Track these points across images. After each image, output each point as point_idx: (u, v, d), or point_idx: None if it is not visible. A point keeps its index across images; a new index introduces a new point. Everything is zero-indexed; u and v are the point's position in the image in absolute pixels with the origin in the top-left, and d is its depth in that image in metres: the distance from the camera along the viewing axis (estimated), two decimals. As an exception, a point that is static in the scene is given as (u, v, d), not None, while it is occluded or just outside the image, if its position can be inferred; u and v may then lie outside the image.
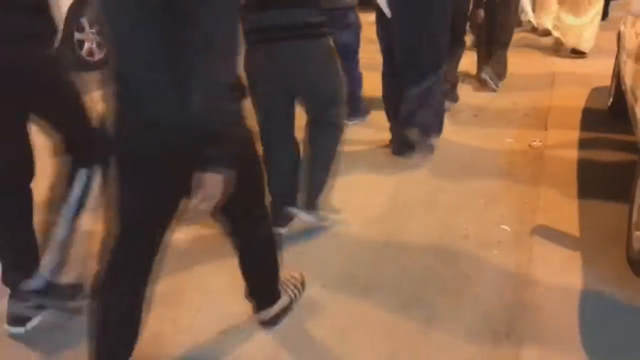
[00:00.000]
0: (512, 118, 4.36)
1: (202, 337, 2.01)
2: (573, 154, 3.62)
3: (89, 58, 6.17)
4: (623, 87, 3.60)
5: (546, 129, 4.09)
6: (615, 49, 4.24)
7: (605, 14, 8.70)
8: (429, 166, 3.48)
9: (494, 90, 4.96)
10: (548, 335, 2.02)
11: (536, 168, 3.43)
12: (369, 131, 3.99)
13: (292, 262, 2.45)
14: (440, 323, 2.09)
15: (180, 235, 2.30)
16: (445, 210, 2.94)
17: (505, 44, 5.08)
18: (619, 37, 4.17)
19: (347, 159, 3.63)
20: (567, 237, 2.66)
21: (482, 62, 5.14)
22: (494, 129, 4.14)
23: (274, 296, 2.02)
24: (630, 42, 3.49)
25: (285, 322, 2.08)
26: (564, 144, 3.78)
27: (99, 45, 6.26)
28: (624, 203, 2.62)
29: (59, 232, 1.98)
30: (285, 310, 2.06)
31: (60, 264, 2.01)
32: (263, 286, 2.01)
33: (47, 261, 1.98)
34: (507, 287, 2.29)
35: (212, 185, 1.43)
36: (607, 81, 4.56)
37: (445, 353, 1.95)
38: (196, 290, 2.29)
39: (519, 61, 6.06)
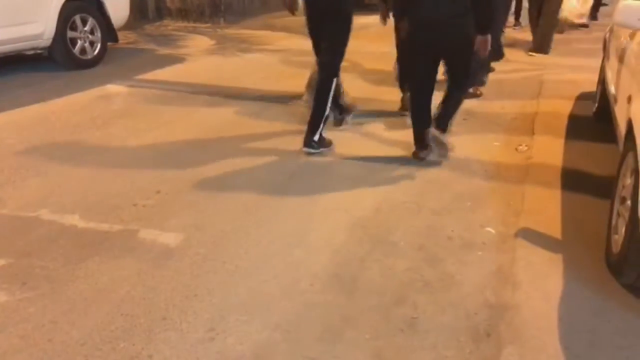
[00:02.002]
0: (500, 122, 4.43)
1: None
2: (558, 158, 3.69)
3: (81, 56, 6.19)
4: (607, 93, 3.67)
5: (533, 134, 4.16)
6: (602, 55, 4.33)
7: (594, 18, 8.92)
8: (416, 168, 3.53)
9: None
10: (528, 335, 2.07)
11: (522, 172, 3.49)
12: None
13: (283, 261, 2.51)
14: (424, 322, 2.14)
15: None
16: (431, 212, 3.00)
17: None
18: (605, 44, 4.25)
19: (342, 159, 3.69)
20: (549, 239, 2.72)
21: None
22: (482, 132, 4.21)
23: (447, 127, 3.66)
24: (613, 49, 3.57)
25: (274, 320, 2.12)
26: (549, 149, 3.86)
27: (91, 44, 6.29)
28: (605, 207, 2.69)
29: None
30: (445, 147, 3.62)
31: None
32: (447, 118, 3.64)
33: None
34: (490, 288, 2.34)
35: (485, 42, 3.29)
36: (593, 87, 4.64)
37: (428, 352, 2.00)
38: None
39: (509, 67, 6.15)
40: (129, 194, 3.15)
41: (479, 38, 3.27)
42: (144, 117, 4.58)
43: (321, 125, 3.72)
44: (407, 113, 3.87)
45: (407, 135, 3.76)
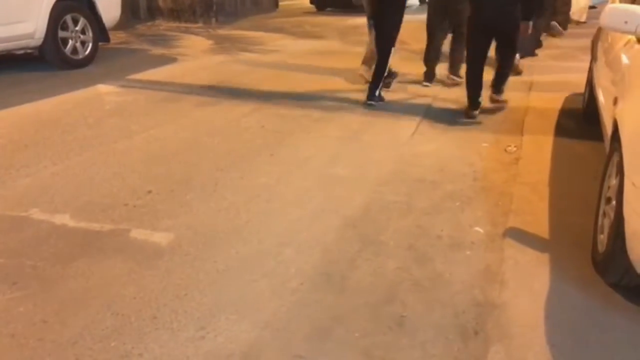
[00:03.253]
0: (489, 123, 4.48)
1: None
2: (546, 159, 3.74)
3: (73, 56, 6.18)
4: (595, 94, 3.72)
5: (522, 134, 4.20)
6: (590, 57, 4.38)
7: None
8: (407, 168, 3.56)
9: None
10: (515, 333, 2.10)
11: (510, 172, 3.53)
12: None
13: (273, 260, 2.53)
14: (413, 321, 2.16)
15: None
16: (421, 211, 3.03)
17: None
18: (592, 45, 4.30)
19: (334, 160, 3.72)
20: (537, 239, 2.76)
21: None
22: (471, 133, 4.25)
23: (502, 90, 4.82)
24: (600, 51, 3.61)
25: (264, 318, 2.14)
26: (538, 149, 3.90)
27: (82, 44, 6.27)
28: (592, 207, 2.73)
29: None
30: (502, 104, 4.81)
31: None
32: (500, 84, 4.80)
33: None
34: (478, 287, 2.37)
35: (527, 26, 4.44)
36: (581, 88, 4.69)
37: (417, 350, 2.02)
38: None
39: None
40: (120, 194, 3.15)
41: (523, 23, 4.42)
42: (136, 117, 4.58)
43: (380, 85, 4.99)
44: (428, 84, 5.61)
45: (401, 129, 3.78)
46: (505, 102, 4.84)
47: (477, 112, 4.56)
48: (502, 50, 4.69)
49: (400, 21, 4.88)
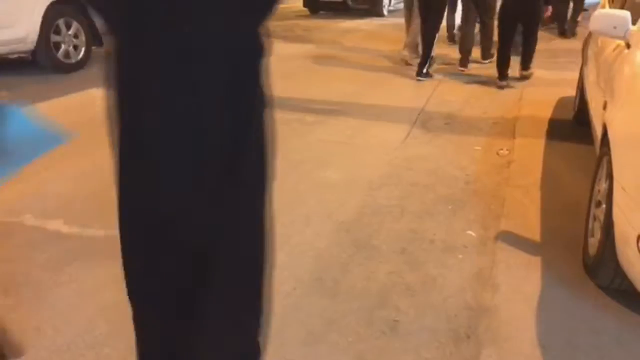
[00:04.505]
0: (481, 126, 4.50)
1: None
2: (538, 162, 3.76)
3: (65, 60, 6.16)
4: (585, 97, 3.76)
5: (514, 138, 4.23)
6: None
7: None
8: (400, 172, 3.58)
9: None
10: (507, 336, 2.12)
11: (502, 176, 3.55)
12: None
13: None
14: (405, 325, 2.18)
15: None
16: (414, 215, 3.04)
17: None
18: (583, 49, 4.34)
19: (327, 164, 3.73)
20: (528, 242, 2.78)
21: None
22: (464, 136, 4.27)
23: (529, 67, 6.03)
24: (590, 55, 3.65)
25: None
26: (530, 153, 3.93)
27: (75, 48, 6.26)
28: (584, 211, 2.75)
29: None
30: (529, 77, 6.01)
31: None
32: (526, 62, 5.99)
33: None
34: (470, 291, 2.39)
35: (546, 9, 6.02)
36: (573, 92, 4.73)
37: (410, 354, 2.03)
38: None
39: (492, 72, 6.22)
40: (114, 200, 3.14)
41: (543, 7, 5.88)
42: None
43: (427, 62, 5.99)
44: (465, 69, 6.52)
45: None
46: (531, 74, 6.06)
47: (506, 82, 5.80)
48: (525, 33, 5.94)
49: (443, 11, 6.13)
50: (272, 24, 1.27)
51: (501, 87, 5.75)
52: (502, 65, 5.86)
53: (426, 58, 6.05)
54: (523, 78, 6.04)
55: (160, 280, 1.35)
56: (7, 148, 1.67)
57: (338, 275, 2.48)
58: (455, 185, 3.43)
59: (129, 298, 1.39)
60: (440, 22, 6.10)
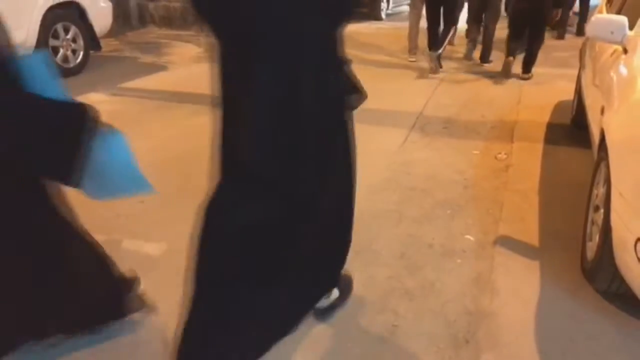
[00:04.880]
0: (479, 130, 4.51)
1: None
2: (537, 166, 3.77)
3: (63, 64, 6.17)
4: (583, 102, 3.77)
5: (512, 142, 4.24)
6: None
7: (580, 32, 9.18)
8: (398, 176, 3.59)
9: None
10: (506, 341, 2.13)
11: (501, 180, 3.56)
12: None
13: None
14: (404, 330, 2.18)
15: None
16: (412, 220, 3.05)
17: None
18: (581, 53, 4.36)
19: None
20: (527, 246, 2.79)
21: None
22: (462, 140, 4.28)
23: (530, 70, 6.39)
24: (588, 59, 3.66)
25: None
26: (528, 156, 3.94)
27: (73, 52, 6.27)
28: (582, 215, 2.76)
29: None
30: (530, 77, 6.38)
31: None
32: (529, 64, 6.29)
33: None
34: (469, 295, 2.40)
35: (557, 12, 6.46)
36: (571, 95, 4.75)
37: (409, 359, 2.04)
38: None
39: (489, 76, 6.25)
40: (112, 204, 3.13)
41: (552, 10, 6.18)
42: (127, 126, 4.52)
43: (443, 47, 6.56)
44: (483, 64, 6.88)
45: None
46: (531, 76, 6.30)
47: (512, 58, 6.30)
48: (531, 32, 6.16)
49: (458, 3, 6.82)
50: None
51: (508, 64, 6.23)
52: (512, 44, 6.30)
53: (443, 41, 6.56)
54: (523, 79, 6.26)
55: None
56: (105, 172, 1.70)
57: (337, 280, 2.48)
58: (453, 189, 3.43)
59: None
60: (459, 12, 6.87)
